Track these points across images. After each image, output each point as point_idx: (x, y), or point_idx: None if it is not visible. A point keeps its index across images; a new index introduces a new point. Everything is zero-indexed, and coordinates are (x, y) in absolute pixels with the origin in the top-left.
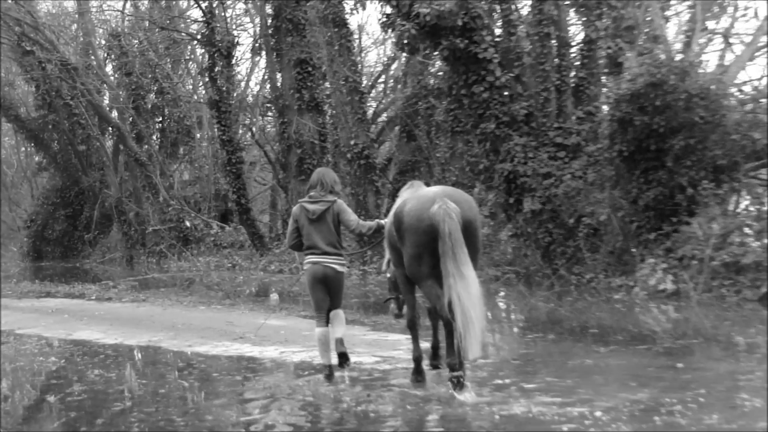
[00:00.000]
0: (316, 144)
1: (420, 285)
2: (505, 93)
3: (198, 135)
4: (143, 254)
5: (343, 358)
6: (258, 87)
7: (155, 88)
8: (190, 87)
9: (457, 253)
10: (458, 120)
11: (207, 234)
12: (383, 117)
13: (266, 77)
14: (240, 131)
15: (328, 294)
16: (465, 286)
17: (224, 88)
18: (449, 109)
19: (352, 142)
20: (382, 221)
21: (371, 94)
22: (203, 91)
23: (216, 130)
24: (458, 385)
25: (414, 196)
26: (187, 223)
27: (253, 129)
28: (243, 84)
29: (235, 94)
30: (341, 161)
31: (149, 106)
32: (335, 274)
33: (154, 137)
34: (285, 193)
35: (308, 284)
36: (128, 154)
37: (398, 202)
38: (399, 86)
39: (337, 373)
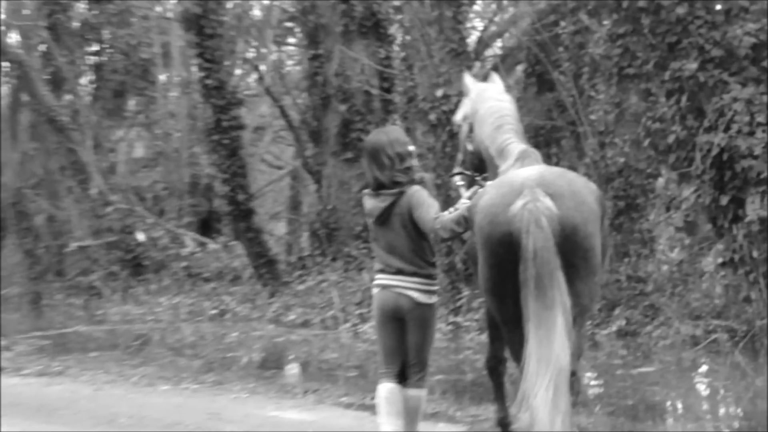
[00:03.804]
0: (374, 95)
1: (501, 326)
2: (717, 7)
3: (163, 78)
4: (60, 290)
5: None
6: None
7: None
8: None
9: (544, 286)
10: (631, 55)
11: (175, 256)
12: (495, 48)
13: None
14: (238, 72)
15: (403, 339)
16: (541, 341)
17: None
18: (614, 36)
19: (439, 93)
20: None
21: (474, 7)
22: None
23: (196, 68)
24: None
25: (495, 182)
26: (140, 237)
27: (262, 68)
28: None
29: (230, 5)
30: (419, 126)
31: (76, 25)
32: (414, 307)
33: (84, 81)
34: (317, 183)
35: (375, 320)
36: (37, 111)
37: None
38: None
39: None
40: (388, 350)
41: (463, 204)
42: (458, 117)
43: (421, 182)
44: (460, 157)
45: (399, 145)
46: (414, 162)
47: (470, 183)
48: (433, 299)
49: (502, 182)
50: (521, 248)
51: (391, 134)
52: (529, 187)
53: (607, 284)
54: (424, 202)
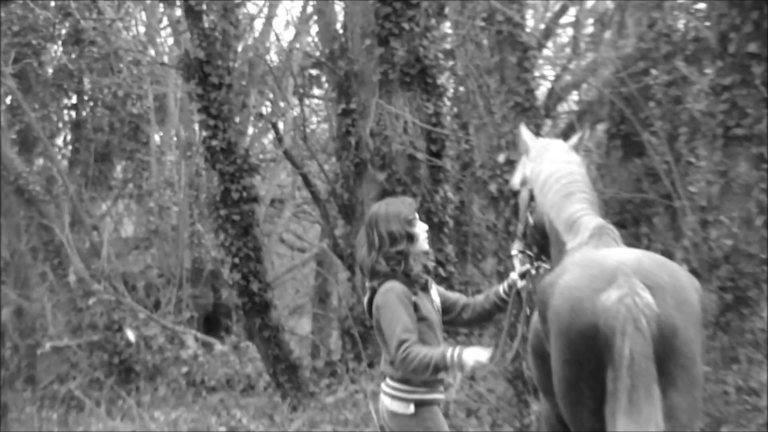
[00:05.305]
0: (420, 160)
1: None
2: None
3: (157, 137)
4: (32, 401)
5: None
6: (291, 33)
7: (65, 30)
8: (142, 30)
9: (638, 400)
10: (739, 112)
11: (174, 360)
12: (570, 102)
13: (311, 12)
14: (250, 130)
15: None
16: None
17: (217, 34)
18: (719, 88)
19: (501, 158)
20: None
21: (544, 52)
22: (170, 41)
23: (198, 126)
24: None
25: (580, 260)
26: (130, 335)
27: (280, 126)
28: (258, 27)
29: (240, 49)
30: (476, 198)
31: (50, 71)
32: (389, 416)
33: (61, 141)
34: (349, 269)
35: None
36: (2, 179)
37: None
38: (608, 35)
39: None
40: None
41: (512, 281)
42: (516, 181)
43: (408, 275)
44: (520, 228)
45: (397, 222)
46: (417, 248)
47: (533, 263)
48: (411, 409)
49: (589, 262)
50: (612, 351)
51: (392, 206)
52: (624, 275)
53: (711, 397)
54: (387, 305)
